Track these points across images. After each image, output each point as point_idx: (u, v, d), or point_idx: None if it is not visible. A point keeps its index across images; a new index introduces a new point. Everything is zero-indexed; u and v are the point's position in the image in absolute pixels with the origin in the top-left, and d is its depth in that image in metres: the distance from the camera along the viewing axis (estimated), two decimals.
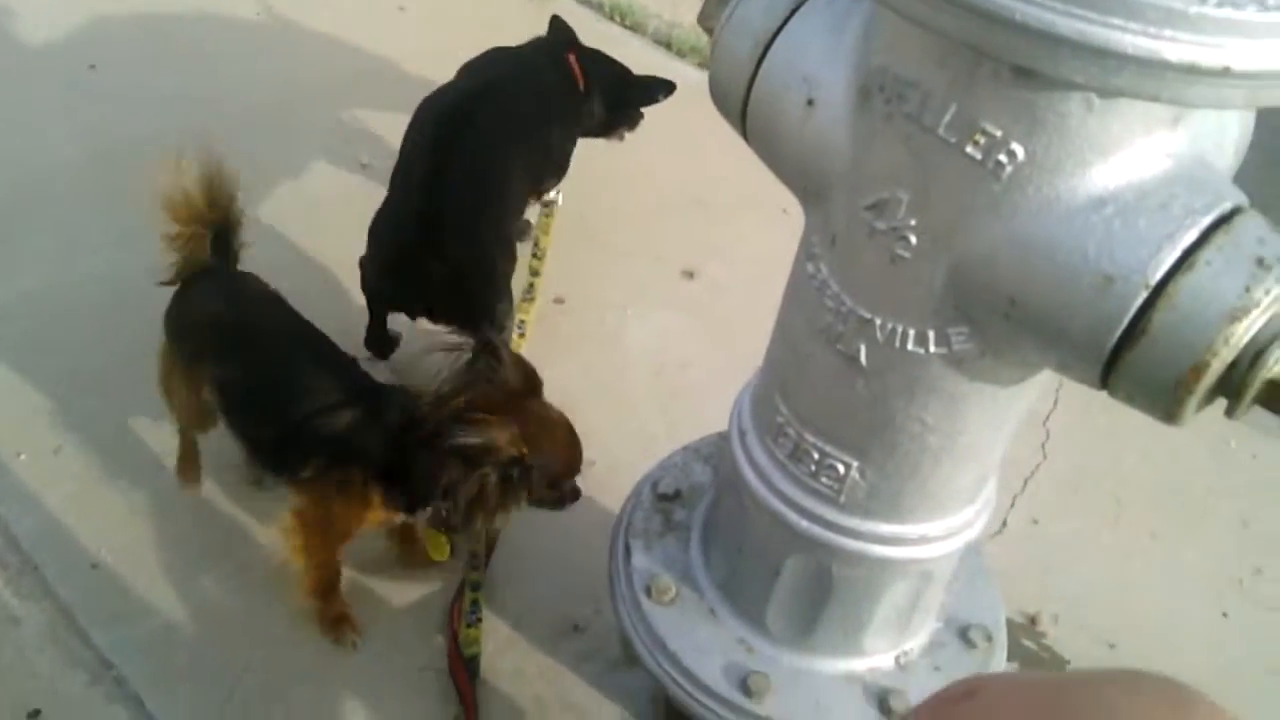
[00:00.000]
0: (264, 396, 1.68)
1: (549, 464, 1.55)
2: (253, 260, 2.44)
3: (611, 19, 3.59)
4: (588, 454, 1.66)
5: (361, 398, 1.62)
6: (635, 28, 3.55)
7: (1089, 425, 2.31)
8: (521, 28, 3.02)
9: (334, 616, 1.76)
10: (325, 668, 1.72)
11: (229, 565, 1.85)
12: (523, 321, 2.36)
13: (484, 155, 2.13)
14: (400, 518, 1.69)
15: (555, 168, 2.50)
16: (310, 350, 1.71)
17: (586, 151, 2.97)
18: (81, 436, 2.04)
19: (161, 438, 2.04)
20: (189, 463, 1.96)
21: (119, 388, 2.13)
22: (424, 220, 2.04)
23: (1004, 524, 2.09)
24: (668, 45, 3.52)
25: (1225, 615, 1.99)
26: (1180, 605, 2.00)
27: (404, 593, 1.85)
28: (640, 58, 3.33)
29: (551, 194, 2.66)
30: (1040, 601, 1.96)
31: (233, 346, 1.74)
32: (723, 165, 2.85)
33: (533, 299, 2.44)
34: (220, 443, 2.03)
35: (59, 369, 2.17)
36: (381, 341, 2.30)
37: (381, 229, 2.15)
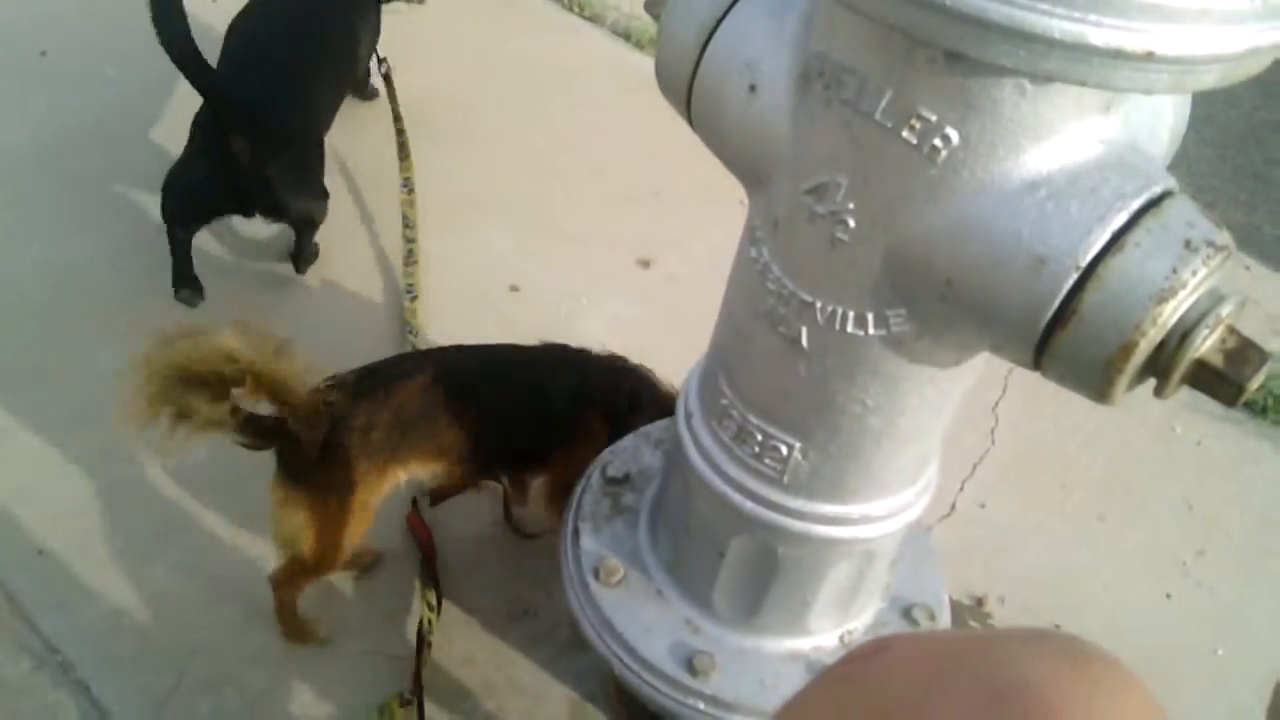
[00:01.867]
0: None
1: None
2: (213, 245, 2.44)
3: (571, 10, 3.58)
4: None
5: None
6: (594, 19, 3.54)
7: (1037, 412, 2.34)
8: (477, 18, 3.02)
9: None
10: (274, 649, 1.72)
11: (177, 553, 1.84)
12: (411, 285, 2.44)
13: (290, 58, 2.37)
14: None
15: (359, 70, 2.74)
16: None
17: (544, 143, 2.98)
18: (29, 425, 2.02)
19: (107, 426, 2.02)
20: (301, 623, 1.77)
21: (68, 376, 2.11)
22: (235, 115, 2.18)
23: (952, 507, 2.12)
24: (627, 36, 3.52)
25: (1168, 596, 2.03)
26: (1125, 587, 2.04)
27: (356, 581, 1.85)
28: (599, 49, 3.34)
29: (407, 176, 2.70)
30: (987, 583, 1.99)
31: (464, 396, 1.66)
32: (679, 157, 2.87)
33: (415, 261, 2.50)
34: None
35: (7, 356, 2.14)
36: (191, 279, 2.37)
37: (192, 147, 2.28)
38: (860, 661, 0.48)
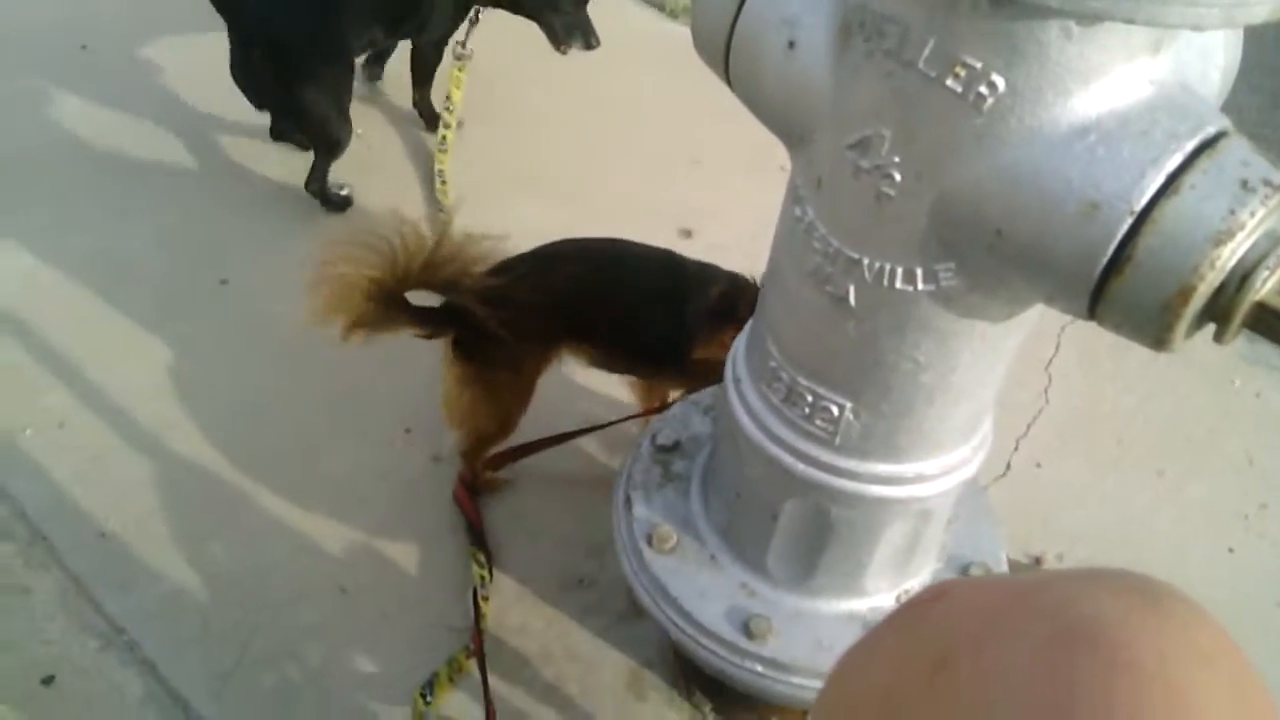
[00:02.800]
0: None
1: None
2: (258, 230, 2.46)
3: None
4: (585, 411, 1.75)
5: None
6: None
7: (1091, 369, 2.31)
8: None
9: None
10: (334, 624, 1.75)
11: (235, 531, 1.86)
12: (441, 171, 2.67)
13: None
14: None
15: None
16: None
17: (579, 116, 2.97)
18: (85, 411, 2.05)
19: (163, 410, 2.05)
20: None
21: (120, 361, 2.15)
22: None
23: (1007, 467, 2.10)
24: (660, 7, 3.50)
25: (1231, 551, 2.00)
26: (1185, 542, 2.01)
27: (412, 553, 1.86)
28: (633, 20, 3.32)
29: (464, 48, 2.76)
30: (1045, 542, 1.97)
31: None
32: (717, 126, 2.85)
33: (446, 150, 2.67)
34: (218, 416, 2.05)
35: (60, 344, 2.18)
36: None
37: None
38: (921, 606, 0.48)
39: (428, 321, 1.70)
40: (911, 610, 0.48)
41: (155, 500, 1.91)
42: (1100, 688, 0.39)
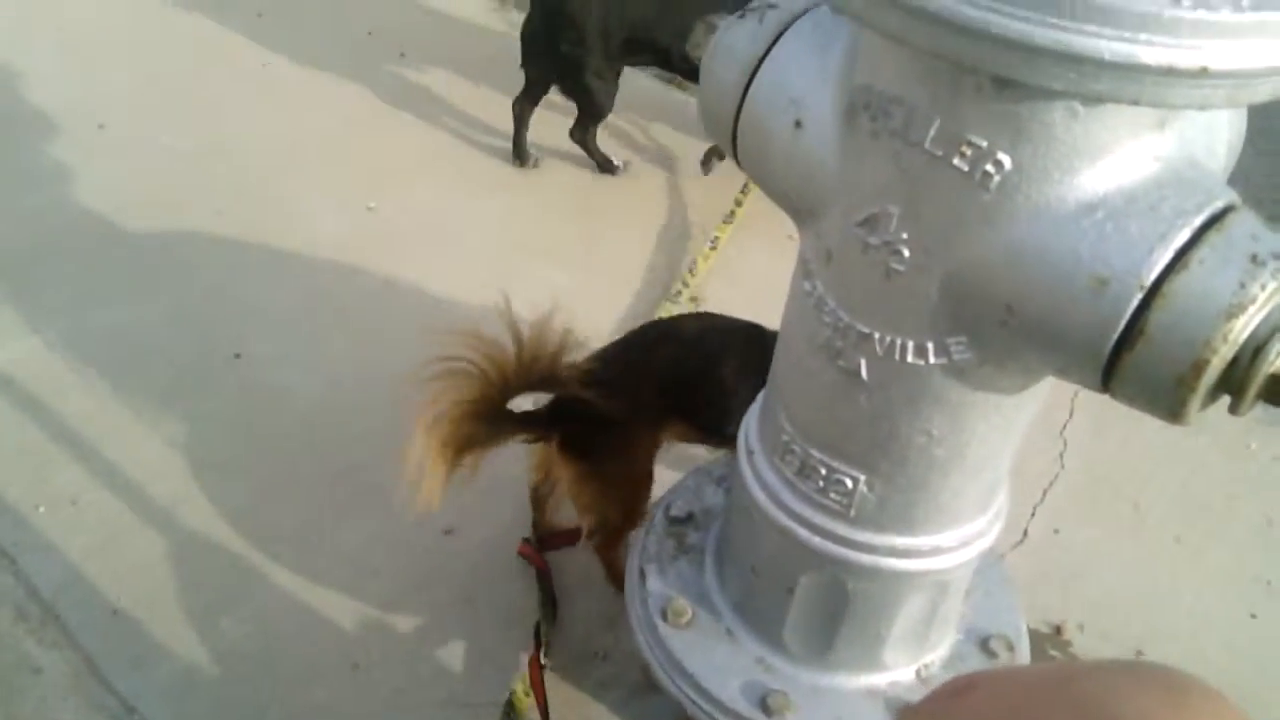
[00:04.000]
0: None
1: None
2: (272, 303, 2.49)
3: None
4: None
5: None
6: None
7: (1107, 434, 2.30)
8: (515, 68, 3.06)
9: None
10: (346, 701, 1.73)
11: (246, 608, 1.85)
12: (716, 238, 2.77)
13: None
14: None
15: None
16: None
17: (586, 182, 3.00)
18: (99, 487, 2.05)
19: (176, 486, 2.06)
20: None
21: (134, 438, 2.15)
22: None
23: (1025, 534, 2.08)
24: (668, 79, 3.55)
25: (1254, 617, 1.97)
26: (1207, 609, 1.98)
27: (425, 627, 1.85)
28: (645, 89, 3.37)
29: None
30: (1065, 610, 1.94)
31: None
32: (722, 190, 2.89)
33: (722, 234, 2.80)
34: (230, 491, 2.05)
35: (75, 421, 2.19)
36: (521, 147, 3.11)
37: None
38: (948, 699, 0.47)
39: (536, 424, 1.68)
40: (939, 703, 0.48)
41: (167, 577, 1.90)
42: None
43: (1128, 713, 0.40)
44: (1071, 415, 2.31)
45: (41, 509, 2.00)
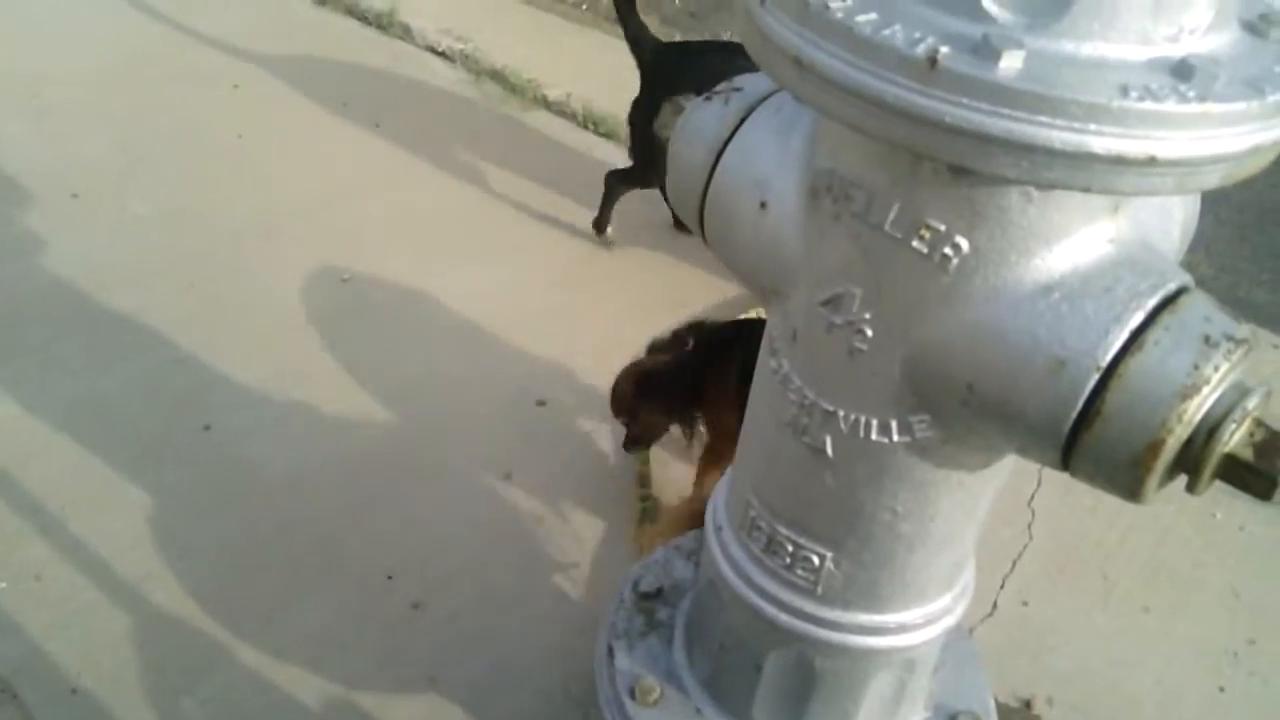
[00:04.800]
0: None
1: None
2: (242, 376, 2.48)
3: (585, 127, 3.66)
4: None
5: None
6: (609, 135, 3.61)
7: (1074, 504, 2.31)
8: (495, 143, 3.10)
9: None
10: None
11: (209, 688, 1.82)
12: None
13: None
14: None
15: None
16: None
17: (567, 254, 3.02)
18: (63, 563, 2.03)
19: (141, 561, 2.03)
20: None
21: (100, 511, 2.13)
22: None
23: (994, 606, 2.08)
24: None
25: (1221, 690, 1.97)
26: (1175, 681, 1.98)
27: (391, 705, 1.82)
28: (616, 162, 3.41)
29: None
30: (1034, 684, 1.94)
31: None
32: (694, 263, 2.91)
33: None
34: (196, 566, 2.03)
35: (40, 493, 2.16)
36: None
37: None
38: None
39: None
40: None
41: (130, 655, 1.87)
42: None
43: None
44: (1039, 485, 2.33)
45: (3, 584, 1.97)
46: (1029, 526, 2.26)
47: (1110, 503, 2.28)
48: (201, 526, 2.12)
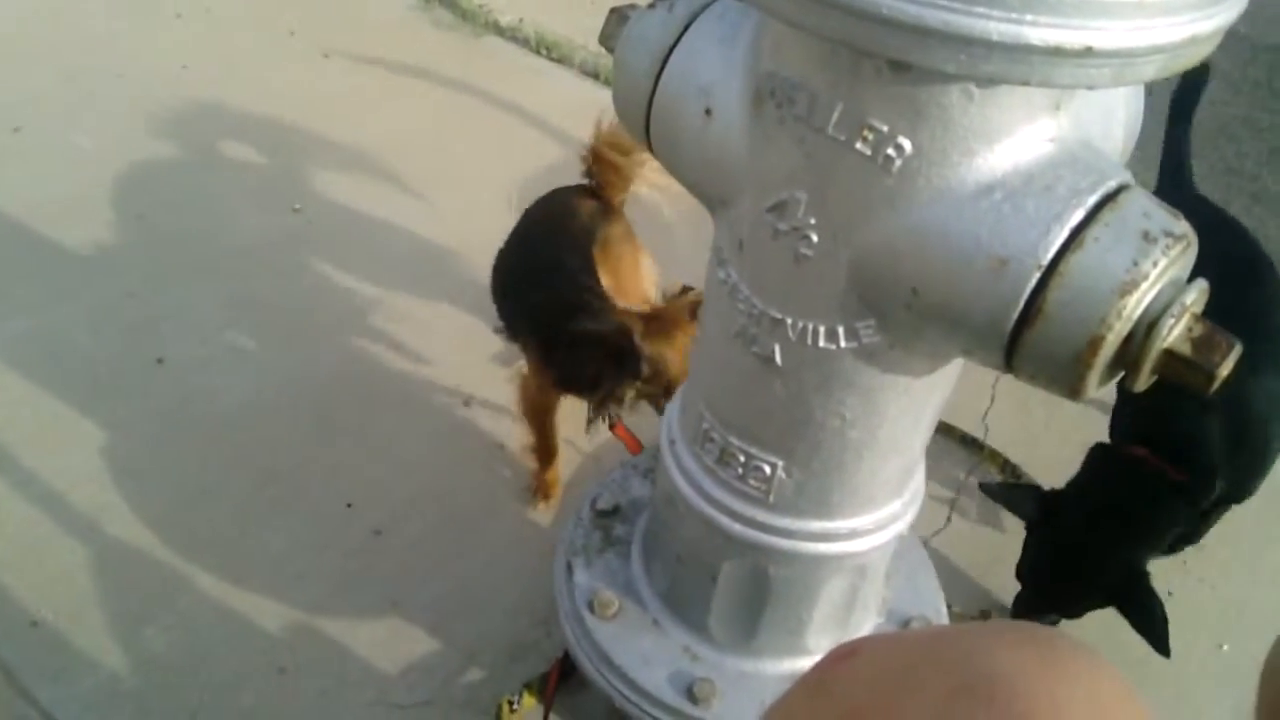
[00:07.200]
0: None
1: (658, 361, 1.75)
2: (194, 307, 2.45)
3: (538, 53, 3.61)
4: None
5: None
6: (563, 60, 3.56)
7: (1027, 419, 2.34)
8: (447, 71, 3.04)
9: (540, 481, 2.07)
10: (273, 706, 1.71)
11: (170, 616, 1.82)
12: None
13: None
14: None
15: None
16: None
17: (516, 185, 2.99)
18: (18, 499, 2.00)
19: (97, 494, 2.02)
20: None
21: (54, 447, 2.10)
22: None
23: (948, 520, 2.11)
24: (596, 75, 3.55)
25: (1170, 594, 2.01)
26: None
27: (353, 629, 1.83)
28: (571, 90, 3.37)
29: None
30: (988, 595, 1.98)
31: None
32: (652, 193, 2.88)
33: None
34: (152, 498, 2.02)
35: None
36: None
37: None
38: (832, 664, 0.48)
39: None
40: (823, 669, 0.49)
41: (89, 587, 1.86)
42: None
43: (997, 670, 0.42)
44: (993, 402, 2.36)
45: None
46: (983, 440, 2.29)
47: (1061, 419, 2.32)
48: (157, 458, 2.11)
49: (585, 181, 2.12)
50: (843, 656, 0.48)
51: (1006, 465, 2.20)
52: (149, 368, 2.31)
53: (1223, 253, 1.93)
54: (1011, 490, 1.87)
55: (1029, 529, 1.80)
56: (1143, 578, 1.69)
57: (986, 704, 0.40)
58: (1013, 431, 2.31)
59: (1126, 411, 1.94)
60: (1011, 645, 0.43)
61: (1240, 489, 1.83)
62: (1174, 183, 2.11)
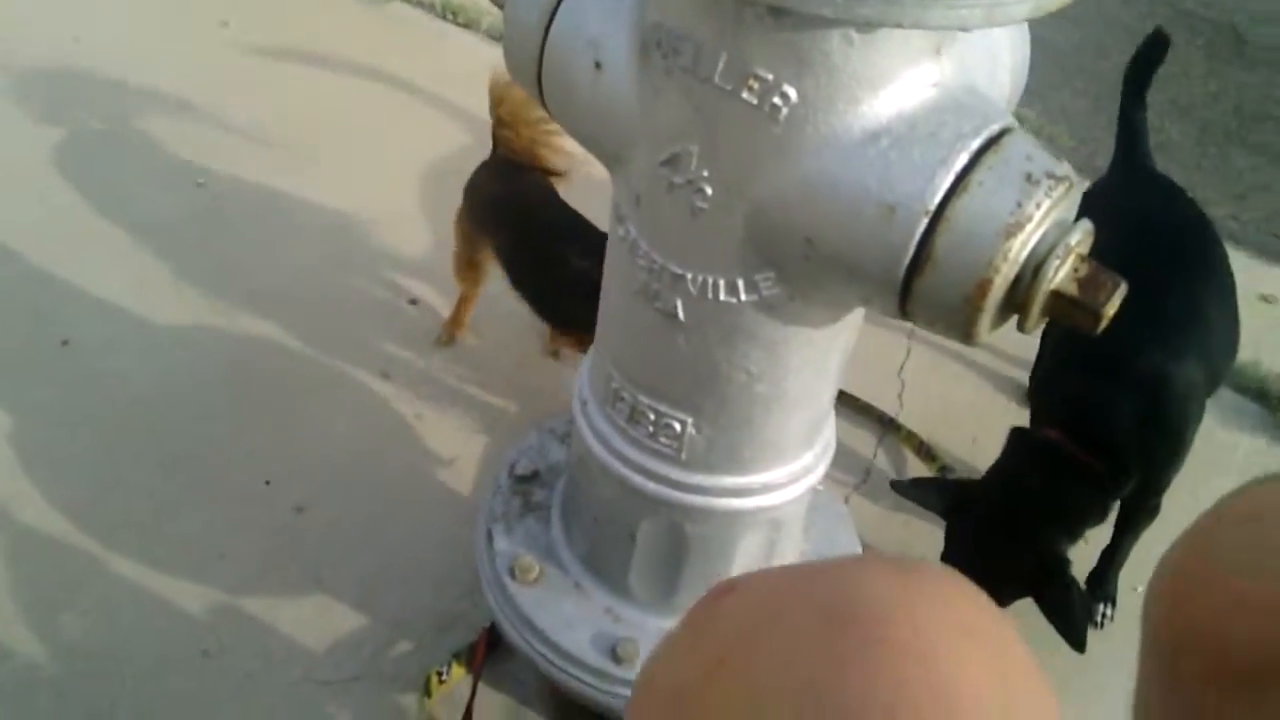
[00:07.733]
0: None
1: None
2: (100, 287, 2.39)
3: (444, 18, 3.55)
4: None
5: None
6: (469, 24, 3.51)
7: (943, 372, 2.37)
8: (351, 38, 2.98)
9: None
10: (198, 689, 1.69)
11: (87, 601, 1.79)
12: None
13: None
14: None
15: None
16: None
17: (427, 151, 2.95)
18: None
19: (5, 481, 1.96)
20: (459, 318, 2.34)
21: None
22: None
23: (868, 474, 2.14)
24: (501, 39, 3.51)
25: (1085, 542, 2.07)
26: None
27: (276, 607, 1.81)
28: (477, 54, 3.32)
29: None
30: (908, 548, 2.01)
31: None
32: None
33: None
34: (63, 483, 1.97)
35: None
36: None
37: None
38: (712, 601, 0.49)
39: None
40: (703, 606, 0.49)
41: (1, 574, 1.82)
42: (857, 665, 0.40)
43: (865, 595, 0.42)
44: (909, 355, 2.38)
45: None
46: (900, 396, 2.31)
47: (979, 369, 2.36)
48: (67, 443, 2.06)
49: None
50: (720, 594, 0.49)
51: (922, 446, 2.21)
52: (55, 350, 2.25)
53: (1174, 231, 1.95)
54: (920, 486, 1.85)
55: (947, 519, 1.79)
56: (1060, 565, 1.65)
57: (852, 629, 0.41)
58: (930, 383, 2.34)
59: (1044, 392, 1.95)
60: (878, 573, 0.44)
61: (1155, 479, 1.78)
62: (1129, 158, 2.11)
